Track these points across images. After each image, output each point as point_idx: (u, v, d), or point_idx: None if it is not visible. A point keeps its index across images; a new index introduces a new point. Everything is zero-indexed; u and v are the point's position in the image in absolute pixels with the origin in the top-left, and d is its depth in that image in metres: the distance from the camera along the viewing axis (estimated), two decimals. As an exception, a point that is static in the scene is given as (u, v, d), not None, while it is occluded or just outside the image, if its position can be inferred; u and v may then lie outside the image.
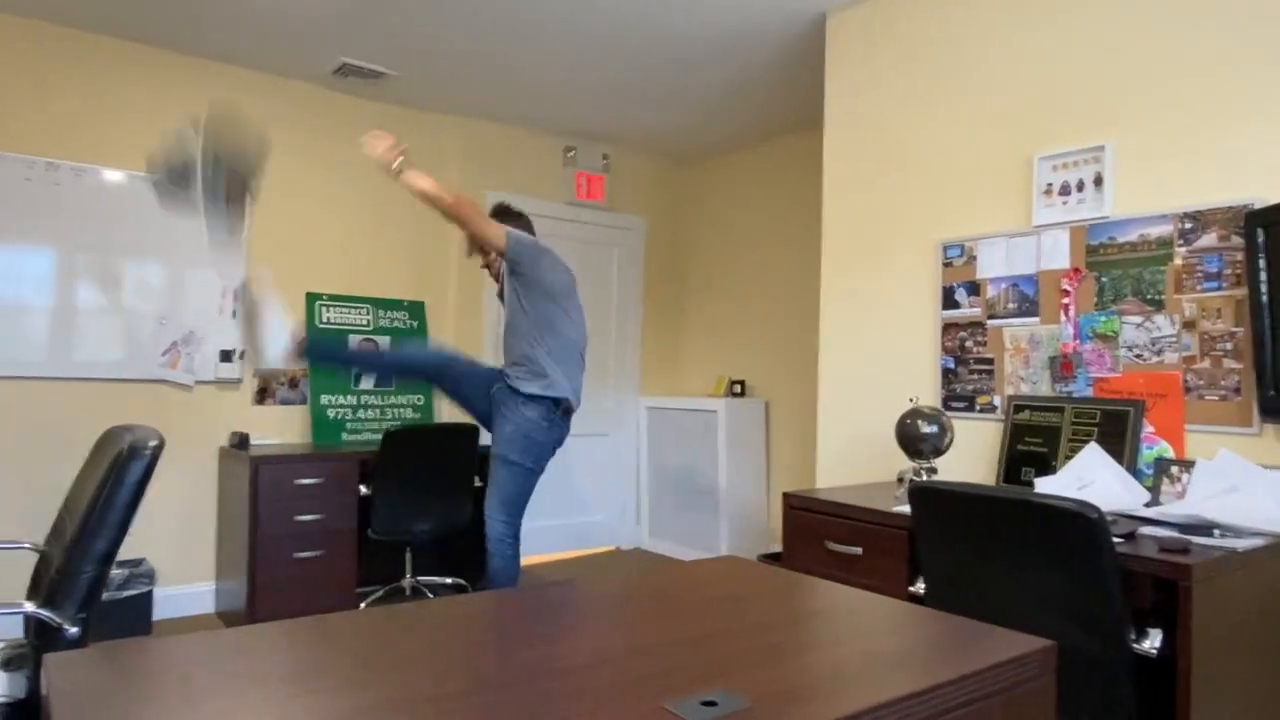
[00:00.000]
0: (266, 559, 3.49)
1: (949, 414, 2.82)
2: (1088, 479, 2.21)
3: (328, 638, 1.01)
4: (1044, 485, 2.24)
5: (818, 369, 4.65)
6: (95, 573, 1.64)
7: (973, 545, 1.78)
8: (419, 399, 4.48)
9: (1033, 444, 2.56)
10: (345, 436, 4.18)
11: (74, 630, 1.61)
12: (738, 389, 5.06)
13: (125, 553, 3.59)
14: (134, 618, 3.46)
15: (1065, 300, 2.56)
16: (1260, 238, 2.11)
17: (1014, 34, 2.74)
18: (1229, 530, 1.86)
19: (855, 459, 3.18)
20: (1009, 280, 2.71)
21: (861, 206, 3.21)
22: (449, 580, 4.34)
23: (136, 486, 1.66)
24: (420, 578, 4.34)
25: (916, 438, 2.54)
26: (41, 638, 1.65)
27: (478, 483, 3.91)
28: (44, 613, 1.60)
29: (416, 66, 4.02)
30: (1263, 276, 2.10)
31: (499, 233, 2.99)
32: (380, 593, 4.08)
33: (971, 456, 2.80)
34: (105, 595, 2.81)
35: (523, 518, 3.11)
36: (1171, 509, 1.98)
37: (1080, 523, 1.58)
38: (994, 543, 1.73)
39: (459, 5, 3.36)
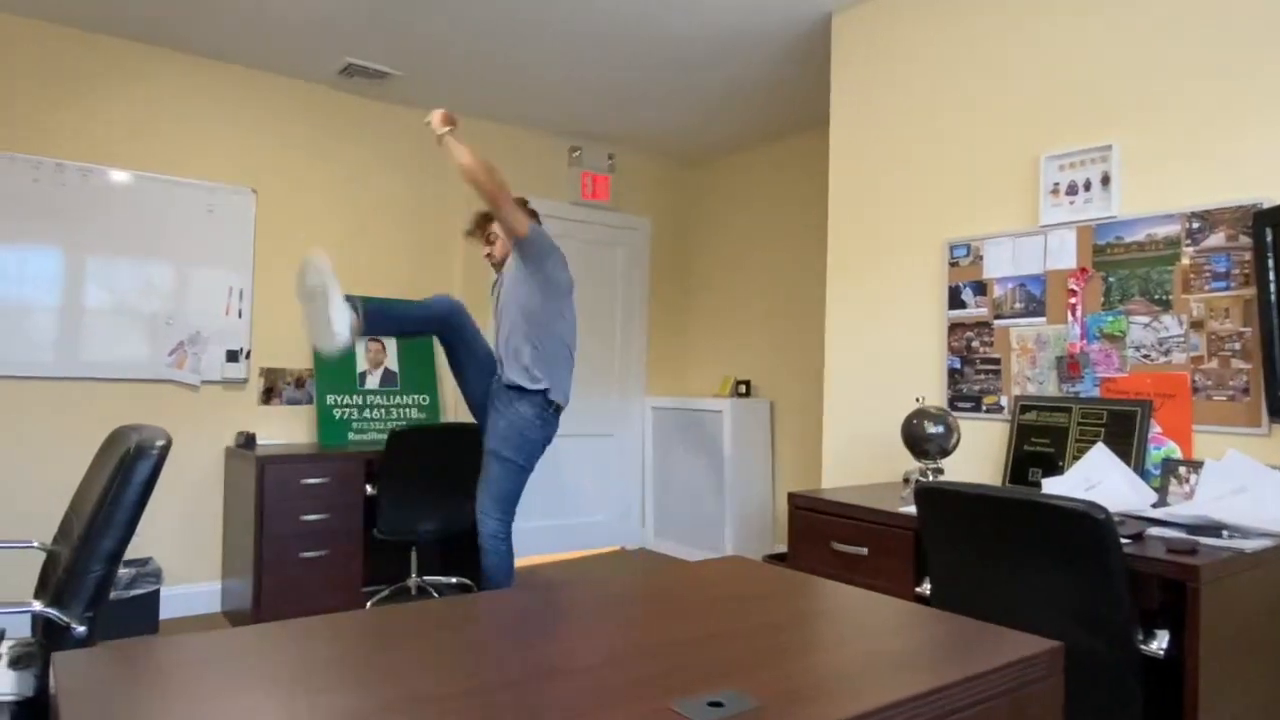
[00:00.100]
0: (272, 558, 3.50)
1: (955, 414, 2.81)
2: (1095, 480, 2.20)
3: (333, 637, 1.01)
4: (1051, 486, 2.23)
5: (823, 369, 4.65)
6: (103, 572, 1.64)
7: (979, 546, 1.77)
8: (424, 399, 4.48)
9: (1039, 444, 2.55)
10: (351, 436, 4.19)
11: (81, 629, 1.62)
12: (743, 389, 5.05)
13: (132, 552, 3.61)
14: (141, 617, 3.48)
15: (1072, 300, 2.56)
16: (1269, 237, 2.10)
17: (1020, 33, 2.73)
18: (1237, 531, 1.85)
19: (861, 459, 3.18)
20: (1015, 280, 2.71)
21: (867, 206, 3.20)
22: (454, 580, 4.34)
23: (144, 486, 1.67)
24: (426, 577, 4.35)
25: (922, 438, 2.53)
26: (49, 637, 1.66)
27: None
28: (52, 612, 1.61)
29: (421, 67, 4.03)
30: (1271, 276, 2.09)
31: (523, 220, 3.03)
32: (386, 592, 4.09)
33: (978, 457, 2.79)
34: (112, 594, 2.82)
35: (514, 515, 3.15)
36: (1179, 510, 1.97)
37: (1088, 523, 1.57)
38: (1001, 543, 1.73)
39: (464, 6, 3.36)
